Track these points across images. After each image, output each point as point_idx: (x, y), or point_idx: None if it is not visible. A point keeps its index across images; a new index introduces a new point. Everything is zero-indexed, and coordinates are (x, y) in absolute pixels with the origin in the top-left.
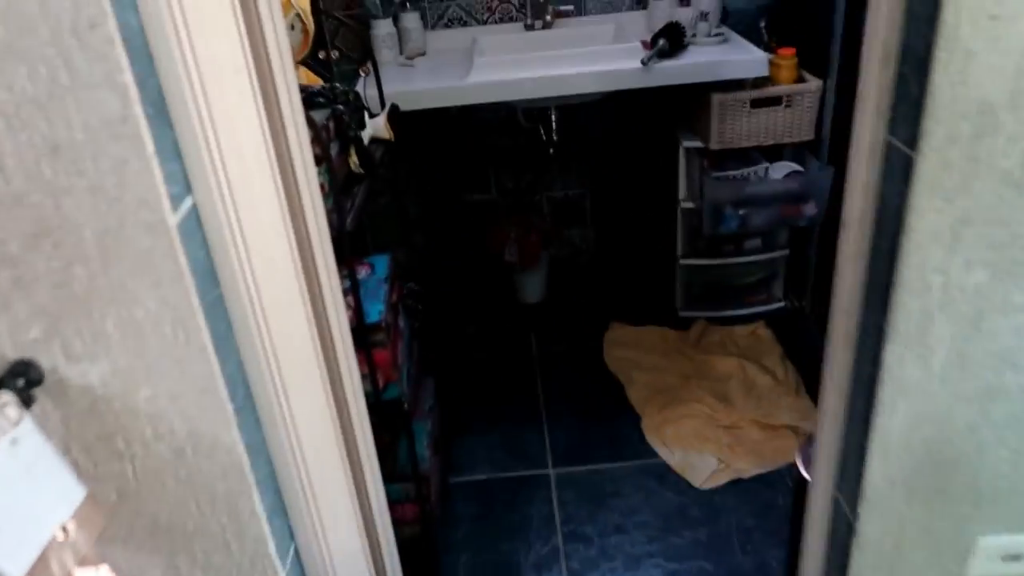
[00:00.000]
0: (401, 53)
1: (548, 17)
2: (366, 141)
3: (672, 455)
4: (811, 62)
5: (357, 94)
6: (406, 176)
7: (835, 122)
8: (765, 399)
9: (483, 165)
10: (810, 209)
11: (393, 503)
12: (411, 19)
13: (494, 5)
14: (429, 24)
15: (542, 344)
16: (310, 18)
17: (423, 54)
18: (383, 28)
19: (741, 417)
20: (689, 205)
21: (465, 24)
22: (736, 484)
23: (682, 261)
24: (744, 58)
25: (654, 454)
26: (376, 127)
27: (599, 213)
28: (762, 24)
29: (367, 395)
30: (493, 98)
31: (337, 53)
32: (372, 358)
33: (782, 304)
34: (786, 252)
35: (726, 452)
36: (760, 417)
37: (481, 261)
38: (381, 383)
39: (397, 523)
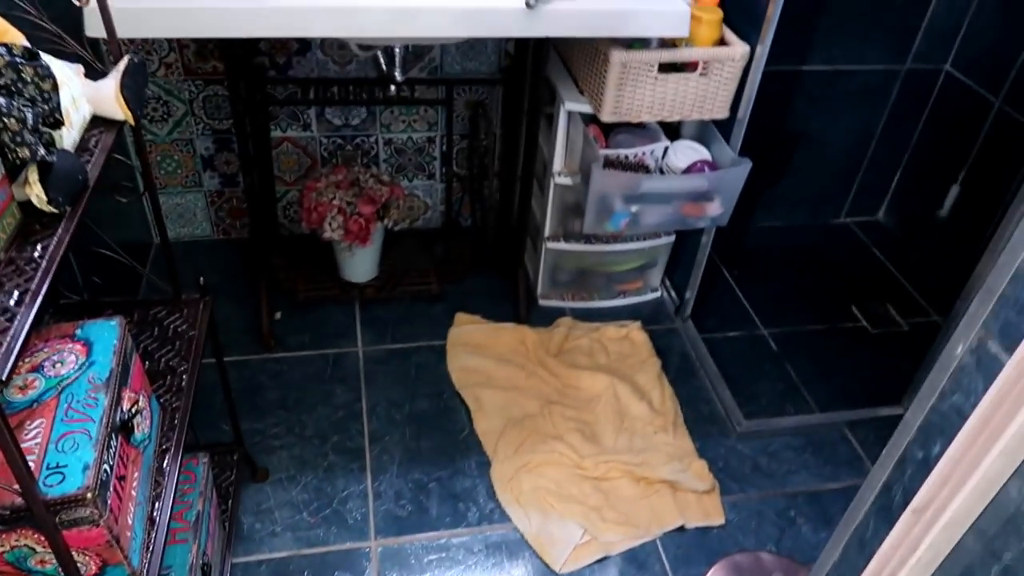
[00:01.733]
0: None
1: None
2: (80, 124)
3: (528, 522)
4: (740, 18)
5: (48, 71)
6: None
7: (759, 102)
8: (639, 436)
9: (303, 92)
10: (715, 209)
11: None
12: None
13: None
14: None
15: (370, 341)
16: None
17: None
18: None
19: (611, 464)
20: (565, 181)
21: None
22: (603, 565)
23: (549, 244)
24: (660, 8)
25: (504, 516)
26: (100, 100)
27: (451, 165)
28: None
29: None
30: (301, 33)
31: None
32: (61, 544)
33: (657, 295)
34: (671, 239)
35: (592, 518)
36: (634, 466)
37: (292, 222)
38: (95, 568)
39: None
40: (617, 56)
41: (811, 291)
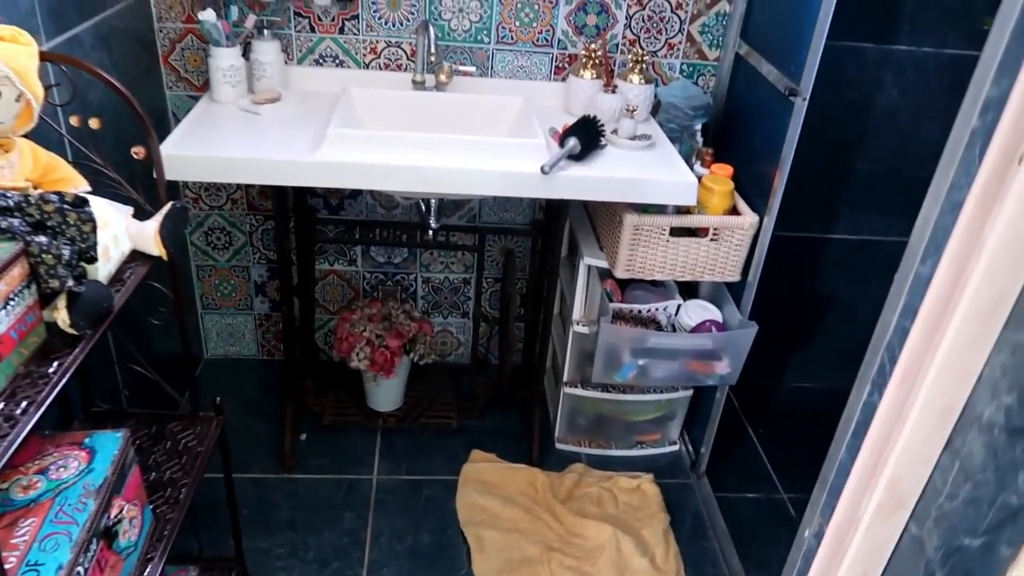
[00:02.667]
0: (250, 91)
1: (443, 77)
2: (118, 258)
3: None
4: (750, 188)
5: (89, 216)
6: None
7: (767, 269)
8: None
9: (350, 231)
10: (723, 368)
11: None
12: (267, 50)
13: (379, 48)
14: (294, 57)
15: (385, 470)
16: (33, 83)
17: (277, 99)
18: (225, 58)
19: None
20: (583, 330)
21: (341, 64)
22: None
23: (567, 389)
24: (669, 179)
25: None
26: (140, 237)
27: (483, 304)
28: (698, 127)
29: None
30: (346, 184)
31: (98, 121)
32: None
33: (676, 448)
34: (689, 393)
35: None
36: None
37: (331, 348)
38: None
39: None
40: (630, 219)
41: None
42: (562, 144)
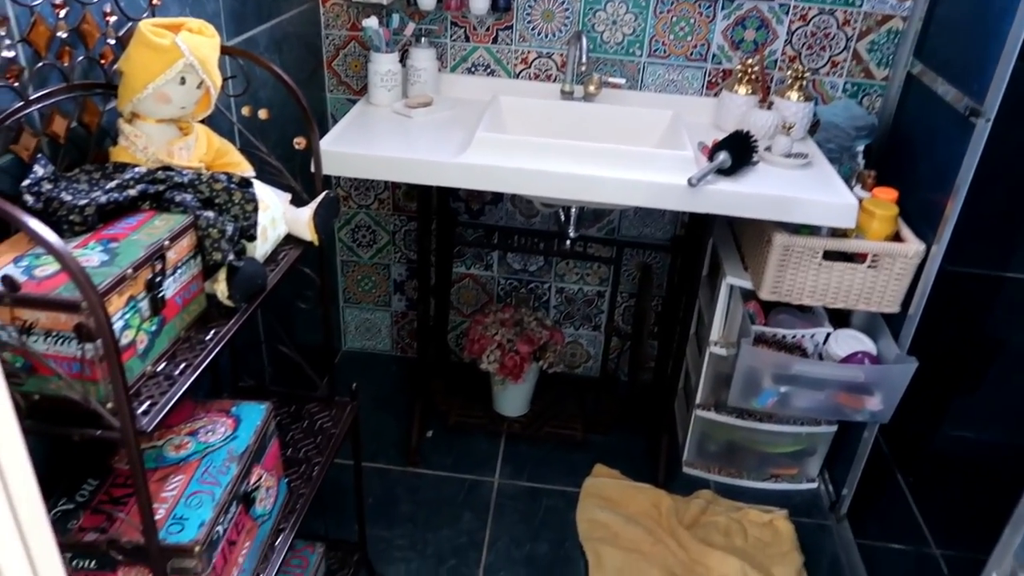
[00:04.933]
0: (405, 96)
1: (592, 88)
2: (275, 239)
3: None
4: (917, 215)
5: (252, 197)
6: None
7: (932, 301)
8: None
9: (489, 236)
10: (875, 404)
11: None
12: (423, 57)
13: (530, 58)
14: (447, 65)
15: (507, 475)
16: (214, 72)
17: (429, 104)
18: (383, 64)
19: None
20: (720, 352)
21: (492, 73)
22: None
23: (699, 412)
24: (825, 200)
25: None
26: (295, 223)
27: (616, 319)
28: (860, 148)
29: None
30: (489, 187)
31: (267, 112)
32: None
33: (814, 486)
34: (833, 429)
35: None
36: None
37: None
38: None
39: None
40: (779, 239)
41: (1003, 517)
42: (711, 158)
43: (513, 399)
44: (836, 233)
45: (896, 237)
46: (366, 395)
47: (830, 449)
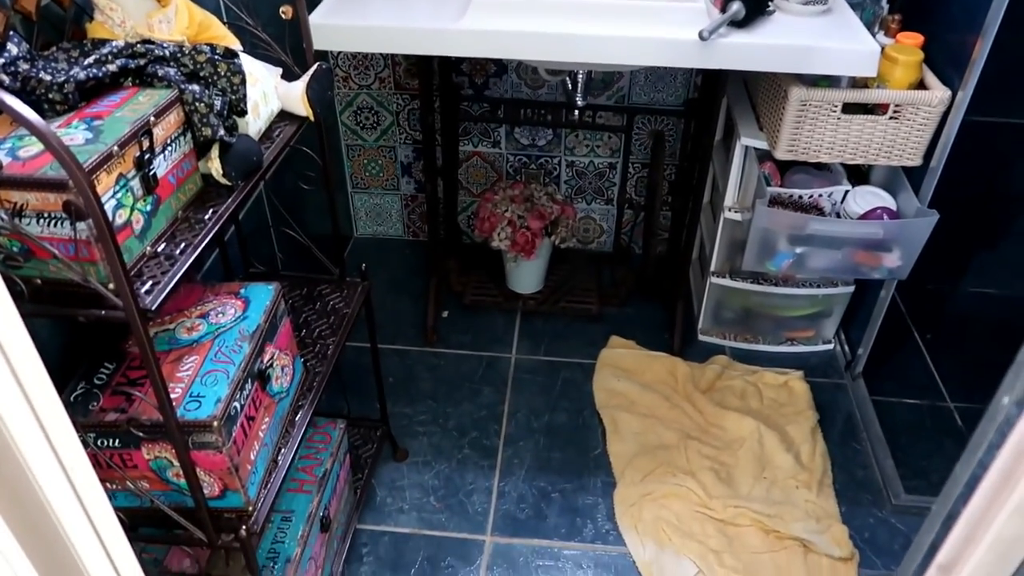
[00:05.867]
0: None
1: None
2: (268, 116)
3: (642, 549)
4: (942, 60)
5: (238, 68)
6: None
7: (955, 152)
8: (778, 487)
9: (495, 111)
10: (893, 261)
11: None
12: None
13: None
14: None
15: (524, 350)
16: None
17: None
18: None
19: (741, 511)
20: (735, 217)
21: None
22: None
23: (713, 279)
24: (846, 47)
25: (619, 539)
26: (288, 98)
27: (628, 191)
28: None
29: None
30: (492, 53)
31: None
32: (187, 461)
33: (830, 347)
34: (850, 290)
35: (710, 560)
36: (766, 517)
37: (471, 230)
38: (218, 489)
39: None
40: (796, 93)
41: None
42: (724, 9)
43: (527, 276)
44: (856, 84)
45: (920, 85)
46: (381, 280)
47: (846, 310)
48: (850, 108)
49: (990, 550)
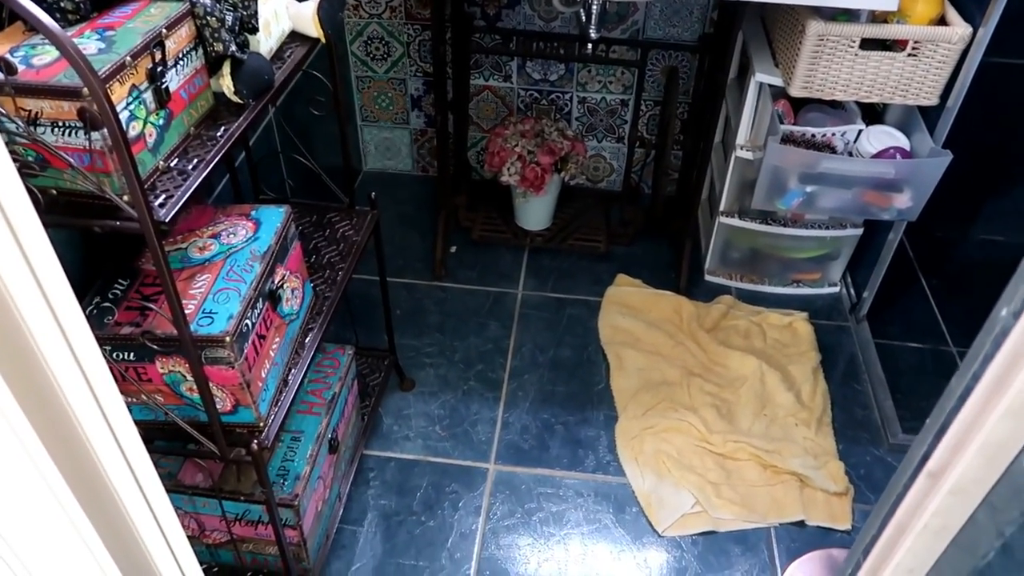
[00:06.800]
0: None
1: None
2: (279, 36)
3: (642, 480)
4: None
5: None
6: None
7: (972, 93)
8: (778, 424)
9: (507, 43)
10: (903, 202)
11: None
12: None
13: None
14: None
15: (531, 286)
16: None
17: None
18: None
19: (740, 446)
20: (747, 155)
21: None
22: (708, 538)
23: (722, 219)
24: None
25: (619, 470)
26: (299, 18)
27: (639, 128)
28: None
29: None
30: None
31: None
32: (201, 375)
33: (836, 290)
34: (859, 232)
35: (708, 492)
36: (764, 452)
37: (481, 166)
38: (230, 405)
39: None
40: (814, 27)
41: None
42: None
43: (535, 212)
44: (876, 19)
45: (941, 21)
46: (390, 214)
47: (853, 253)
48: (868, 44)
49: (979, 454)
